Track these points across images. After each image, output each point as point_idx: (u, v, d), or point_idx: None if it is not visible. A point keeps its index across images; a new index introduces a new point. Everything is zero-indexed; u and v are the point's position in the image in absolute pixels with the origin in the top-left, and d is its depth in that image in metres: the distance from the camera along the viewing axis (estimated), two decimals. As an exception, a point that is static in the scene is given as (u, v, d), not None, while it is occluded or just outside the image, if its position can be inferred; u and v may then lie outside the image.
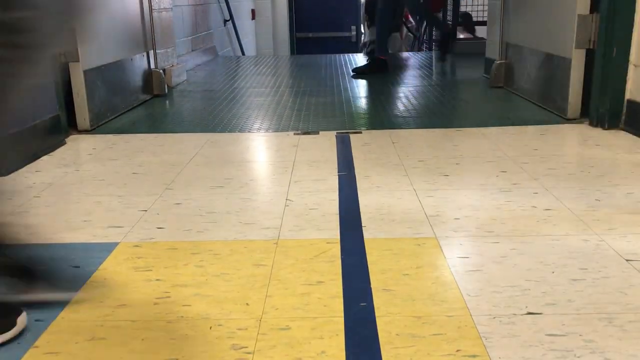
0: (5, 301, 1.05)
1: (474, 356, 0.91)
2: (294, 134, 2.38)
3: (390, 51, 4.25)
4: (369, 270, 1.19)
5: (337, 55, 5.21)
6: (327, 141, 2.26)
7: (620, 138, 2.20)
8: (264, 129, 2.49)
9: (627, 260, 1.22)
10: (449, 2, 5.07)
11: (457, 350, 0.92)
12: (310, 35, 9.22)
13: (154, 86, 3.24)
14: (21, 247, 1.21)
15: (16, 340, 0.97)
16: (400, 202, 1.58)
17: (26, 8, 0.92)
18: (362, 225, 1.43)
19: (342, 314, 1.03)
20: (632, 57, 2.23)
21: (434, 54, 4.99)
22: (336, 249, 1.29)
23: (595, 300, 1.06)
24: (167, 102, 3.15)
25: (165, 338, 0.97)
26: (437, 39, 4.71)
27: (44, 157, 2.09)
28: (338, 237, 1.36)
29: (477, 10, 5.53)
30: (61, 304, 1.08)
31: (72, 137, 2.38)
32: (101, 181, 1.81)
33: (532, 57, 2.87)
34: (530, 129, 2.36)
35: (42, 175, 1.88)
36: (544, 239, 1.33)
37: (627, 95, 2.27)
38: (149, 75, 3.19)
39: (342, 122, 2.57)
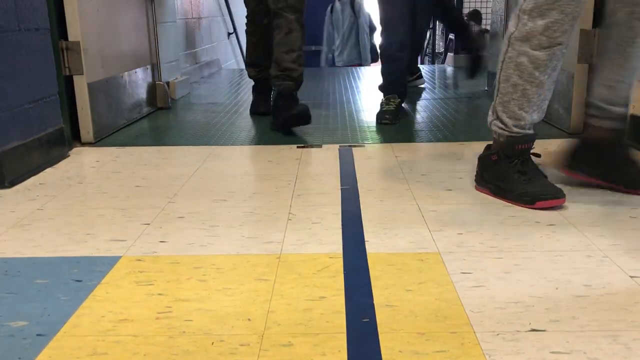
0: None
1: (477, 374, 0.90)
2: (297, 147, 2.38)
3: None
4: (372, 286, 1.19)
5: (340, 67, 5.23)
6: (330, 154, 2.26)
7: (623, 153, 2.19)
8: (267, 142, 2.50)
9: (631, 276, 1.21)
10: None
11: (461, 368, 0.92)
12: (313, 48, 9.26)
13: (158, 99, 3.25)
14: None
15: (17, 356, 0.97)
16: (403, 216, 1.58)
17: None
18: (365, 239, 1.42)
19: (345, 330, 1.03)
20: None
21: (437, 67, 5.00)
22: (339, 264, 1.29)
23: (600, 317, 1.05)
24: (171, 114, 3.16)
25: (167, 354, 0.97)
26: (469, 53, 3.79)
27: (48, 170, 2.09)
28: (341, 251, 1.36)
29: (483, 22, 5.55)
30: None
31: (75, 149, 2.39)
32: (104, 194, 1.82)
33: (534, 71, 2.87)
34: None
35: (45, 188, 1.88)
36: (547, 254, 1.32)
37: (630, 110, 2.27)
38: (152, 88, 3.21)
39: (345, 136, 2.58)
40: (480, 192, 1.76)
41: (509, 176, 1.66)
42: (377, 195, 1.76)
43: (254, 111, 3.08)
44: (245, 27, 3.05)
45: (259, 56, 2.99)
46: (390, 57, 2.90)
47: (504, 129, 1.66)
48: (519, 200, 1.63)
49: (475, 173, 1.79)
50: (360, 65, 6.20)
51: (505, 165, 1.67)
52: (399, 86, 2.94)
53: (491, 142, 1.75)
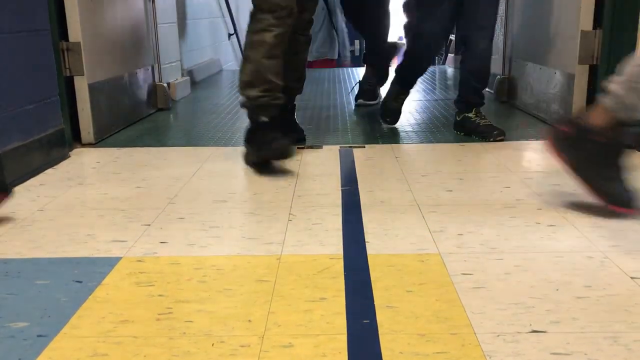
0: None
1: (478, 375, 0.90)
2: (297, 147, 2.38)
3: None
4: (372, 287, 1.19)
5: (340, 69, 5.23)
6: (330, 155, 2.26)
7: (624, 154, 2.19)
8: (267, 143, 2.49)
9: (632, 277, 1.21)
10: None
11: (461, 369, 0.92)
12: (314, 49, 9.24)
13: (159, 100, 3.25)
14: None
15: (17, 356, 0.97)
16: (404, 217, 1.58)
17: None
18: (366, 240, 1.42)
19: (345, 332, 1.03)
20: (636, 72, 2.23)
21: (437, 68, 5.00)
22: (339, 265, 1.29)
23: (600, 318, 1.05)
24: (171, 115, 3.16)
25: (167, 355, 0.97)
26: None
27: (48, 171, 2.09)
28: (341, 252, 1.36)
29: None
30: None
31: (76, 150, 2.39)
32: (104, 195, 1.82)
33: (535, 72, 2.87)
34: (534, 144, 2.35)
35: (46, 189, 1.88)
36: (547, 255, 1.32)
37: (631, 111, 2.27)
38: (153, 89, 3.21)
39: (346, 137, 2.58)
40: (557, 157, 1.58)
41: (610, 167, 1.52)
42: (377, 196, 1.76)
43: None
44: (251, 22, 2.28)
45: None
46: (421, 56, 2.83)
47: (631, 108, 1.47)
48: (608, 197, 1.51)
49: (557, 133, 1.58)
50: (336, 63, 5.87)
51: (612, 153, 1.52)
52: (414, 84, 2.91)
53: (592, 110, 1.56)
